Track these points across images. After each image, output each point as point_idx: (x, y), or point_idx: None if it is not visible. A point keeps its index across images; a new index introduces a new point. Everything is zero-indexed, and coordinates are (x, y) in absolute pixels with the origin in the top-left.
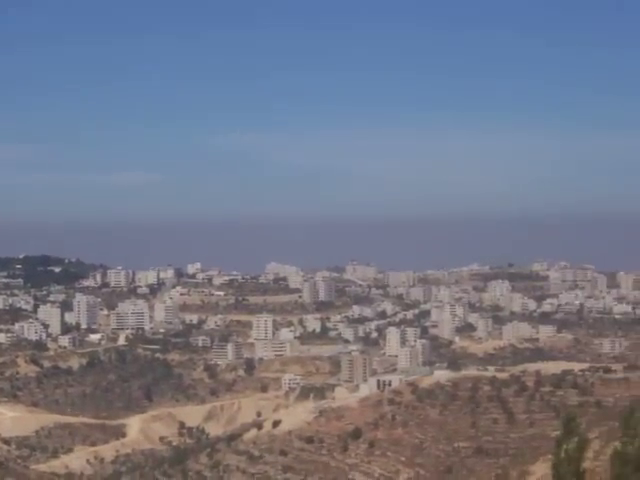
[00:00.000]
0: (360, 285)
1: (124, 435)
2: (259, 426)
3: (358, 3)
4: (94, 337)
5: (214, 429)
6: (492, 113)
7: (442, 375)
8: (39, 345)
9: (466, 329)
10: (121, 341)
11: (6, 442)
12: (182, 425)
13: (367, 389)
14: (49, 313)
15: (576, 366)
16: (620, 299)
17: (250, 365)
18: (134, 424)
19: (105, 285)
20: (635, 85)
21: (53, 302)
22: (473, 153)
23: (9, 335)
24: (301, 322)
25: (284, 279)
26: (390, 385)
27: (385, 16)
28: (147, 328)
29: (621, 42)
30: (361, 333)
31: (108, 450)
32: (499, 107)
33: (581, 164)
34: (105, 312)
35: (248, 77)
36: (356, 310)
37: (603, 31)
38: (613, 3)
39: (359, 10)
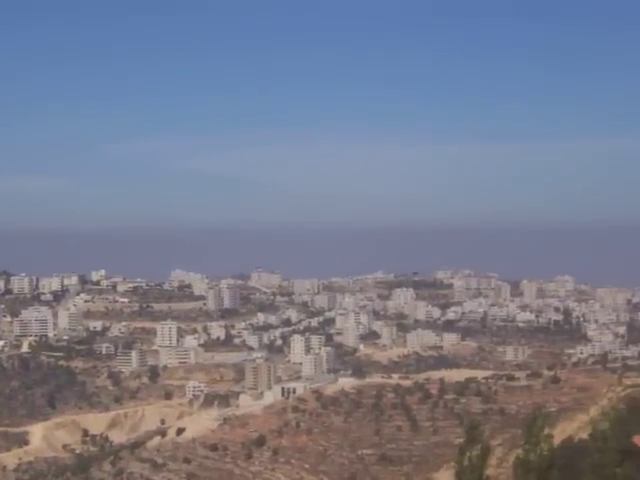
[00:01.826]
0: (265, 292)
1: (27, 443)
2: (163, 433)
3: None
4: None
5: (118, 437)
6: (398, 124)
7: (346, 382)
8: None
9: (370, 337)
10: (24, 348)
11: None
12: (85, 433)
13: (271, 396)
14: None
15: (479, 374)
16: (523, 307)
17: (154, 372)
18: (37, 432)
19: (8, 292)
20: (544, 95)
21: None
22: (378, 163)
23: None
24: (205, 329)
25: (189, 286)
26: (294, 392)
27: (306, 27)
28: (51, 335)
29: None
30: (266, 340)
31: (10, 458)
32: (405, 119)
33: (484, 174)
34: (8, 319)
35: (150, 83)
36: (261, 317)
37: (519, 42)
38: (511, 11)
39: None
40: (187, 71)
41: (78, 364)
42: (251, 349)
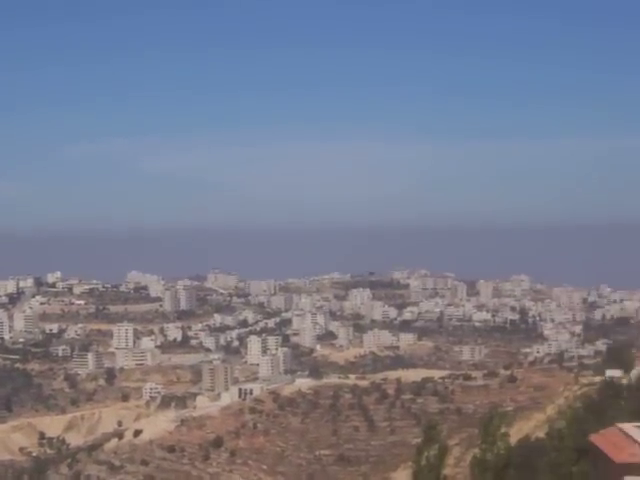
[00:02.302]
0: (221, 294)
1: None
2: (120, 436)
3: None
4: None
5: (75, 439)
6: (352, 124)
7: (303, 383)
8: None
9: (327, 337)
10: None
11: None
12: (42, 435)
13: (228, 398)
14: None
15: (436, 373)
16: (480, 307)
17: (111, 374)
18: None
19: None
20: (498, 93)
21: None
22: (333, 164)
23: None
24: (162, 331)
25: (145, 288)
26: (252, 394)
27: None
28: (6, 338)
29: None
30: (222, 342)
31: None
32: (360, 118)
33: (440, 174)
34: None
35: (113, 84)
36: (217, 319)
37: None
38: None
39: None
40: (156, 72)
41: (34, 367)
42: (208, 350)
